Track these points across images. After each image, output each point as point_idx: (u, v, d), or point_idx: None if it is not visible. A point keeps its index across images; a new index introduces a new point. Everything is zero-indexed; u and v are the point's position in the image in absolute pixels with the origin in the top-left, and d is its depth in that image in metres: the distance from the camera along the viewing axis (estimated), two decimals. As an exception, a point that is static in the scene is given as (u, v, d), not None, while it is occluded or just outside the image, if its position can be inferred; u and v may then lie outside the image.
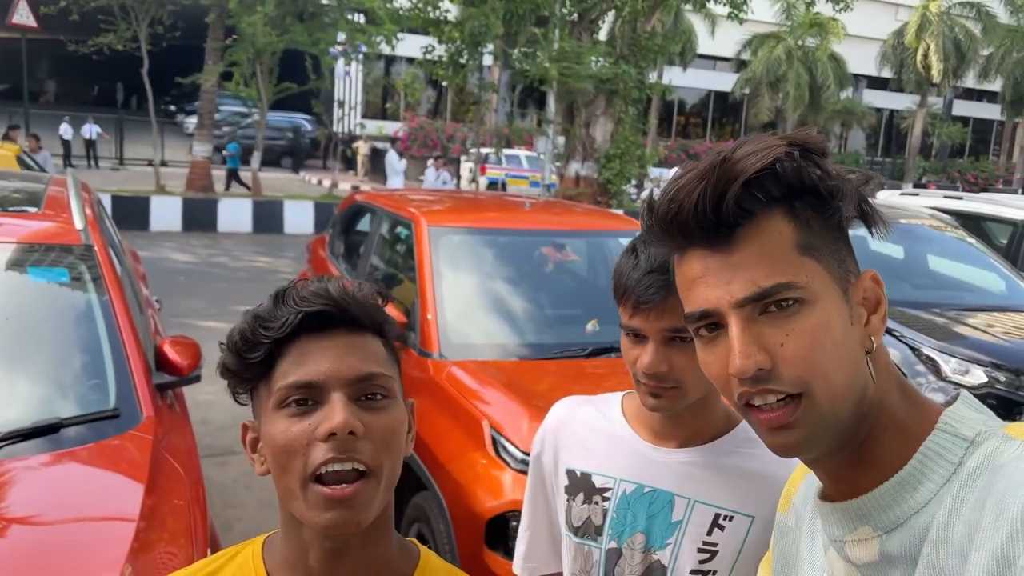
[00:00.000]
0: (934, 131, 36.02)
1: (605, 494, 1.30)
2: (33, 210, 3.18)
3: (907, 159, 34.79)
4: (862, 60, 33.85)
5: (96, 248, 2.90)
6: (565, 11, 16.55)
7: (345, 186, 21.45)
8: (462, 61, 16.12)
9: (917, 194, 8.42)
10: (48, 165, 11.83)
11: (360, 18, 17.00)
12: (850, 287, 0.77)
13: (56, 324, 2.69)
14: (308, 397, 0.88)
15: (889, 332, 4.91)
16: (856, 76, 34.58)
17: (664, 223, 0.78)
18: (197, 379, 2.82)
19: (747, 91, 33.48)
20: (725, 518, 1.22)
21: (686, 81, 33.13)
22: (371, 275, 4.61)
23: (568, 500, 1.34)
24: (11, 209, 3.28)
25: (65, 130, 21.71)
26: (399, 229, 4.40)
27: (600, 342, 3.66)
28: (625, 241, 4.51)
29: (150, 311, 3.79)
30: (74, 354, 2.61)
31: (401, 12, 15.95)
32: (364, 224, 5.05)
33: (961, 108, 38.97)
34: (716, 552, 1.22)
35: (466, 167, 22.69)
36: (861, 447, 0.77)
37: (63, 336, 2.67)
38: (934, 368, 4.69)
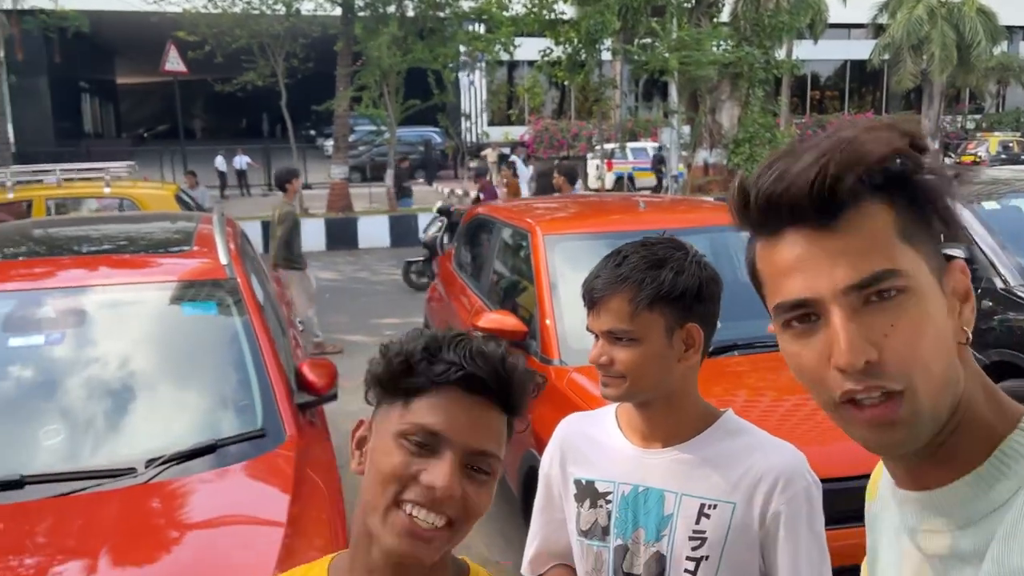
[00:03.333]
0: (1106, 79, 32.60)
1: (607, 497, 1.43)
2: (186, 249, 3.53)
3: (1077, 113, 31.68)
4: (1015, 10, 31.14)
5: (240, 281, 3.18)
6: (681, -2, 16.26)
7: (476, 193, 21.97)
8: (580, 60, 16.16)
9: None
10: (205, 199, 12.85)
11: (480, 27, 17.39)
12: (944, 277, 0.75)
13: (208, 353, 2.99)
14: (428, 442, 0.96)
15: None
16: (1010, 28, 31.85)
17: (769, 200, 0.74)
18: (334, 397, 3.04)
19: (886, 57, 31.54)
20: (710, 507, 1.36)
21: (818, 53, 31.64)
22: (494, 285, 4.76)
23: (577, 507, 1.47)
24: (169, 249, 3.66)
25: (220, 162, 23.46)
26: (517, 239, 4.52)
27: (721, 340, 3.62)
28: (744, 234, 4.43)
29: (292, 332, 4.09)
30: (225, 380, 2.89)
31: (517, 17, 16.19)
32: (485, 237, 5.22)
33: None
34: (705, 539, 1.36)
35: (592, 164, 22.69)
36: (945, 446, 0.76)
37: (215, 364, 2.96)
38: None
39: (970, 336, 0.75)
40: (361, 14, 16.20)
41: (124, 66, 39.26)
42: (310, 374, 3.03)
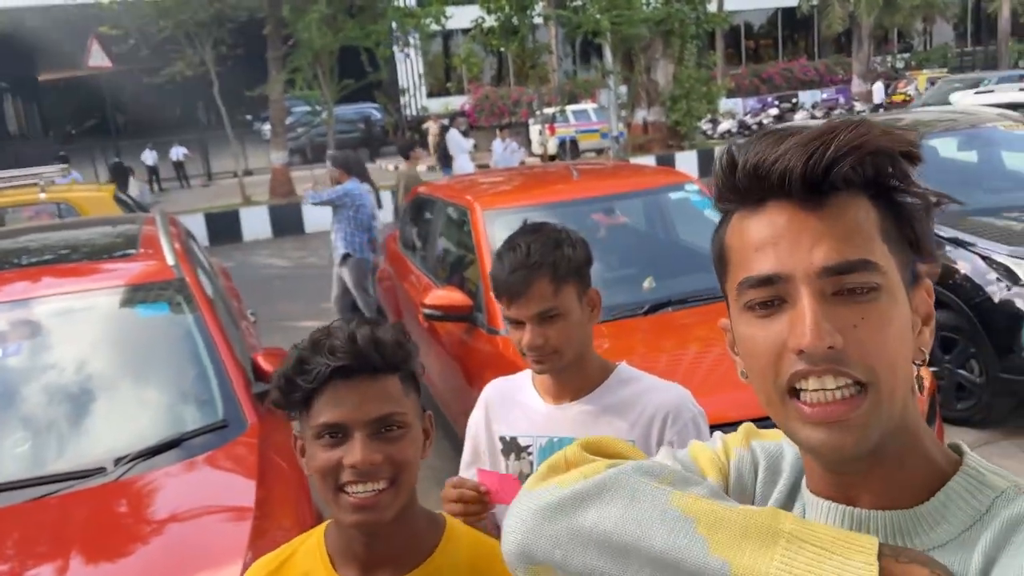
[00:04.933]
0: (1026, 10, 33.55)
1: (528, 450, 1.64)
2: (132, 252, 3.59)
3: (999, 45, 32.61)
4: (936, -52, 31.77)
5: (188, 280, 3.27)
6: (609, -42, 16.30)
7: (421, 168, 21.83)
8: (513, 27, 16.17)
9: (992, 91, 8.10)
10: (146, 196, 12.67)
11: (411, 1, 17.24)
12: (912, 292, 0.73)
13: (165, 352, 3.09)
14: (337, 432, 1.15)
15: (960, 243, 4.86)
16: (932, -34, 32.52)
17: (760, 168, 0.71)
18: (290, 383, 3.16)
19: (815, 3, 32.05)
20: None
21: (749, 3, 31.97)
22: (440, 263, 4.90)
23: (504, 460, 1.68)
24: (116, 254, 3.72)
25: (147, 156, 22.91)
26: (458, 216, 4.66)
27: (657, 298, 3.84)
28: (676, 195, 4.63)
29: (244, 324, 4.19)
30: (183, 377, 3.00)
31: (447, -12, 16.11)
32: (428, 215, 5.34)
33: (1054, -20, 36.10)
34: None
35: (535, 130, 22.71)
36: (888, 464, 0.73)
37: (172, 362, 3.06)
38: (1008, 274, 4.63)
39: (927, 358, 0.75)
40: (288, -5, 15.96)
41: (46, 62, 37.92)
42: (265, 363, 3.15)
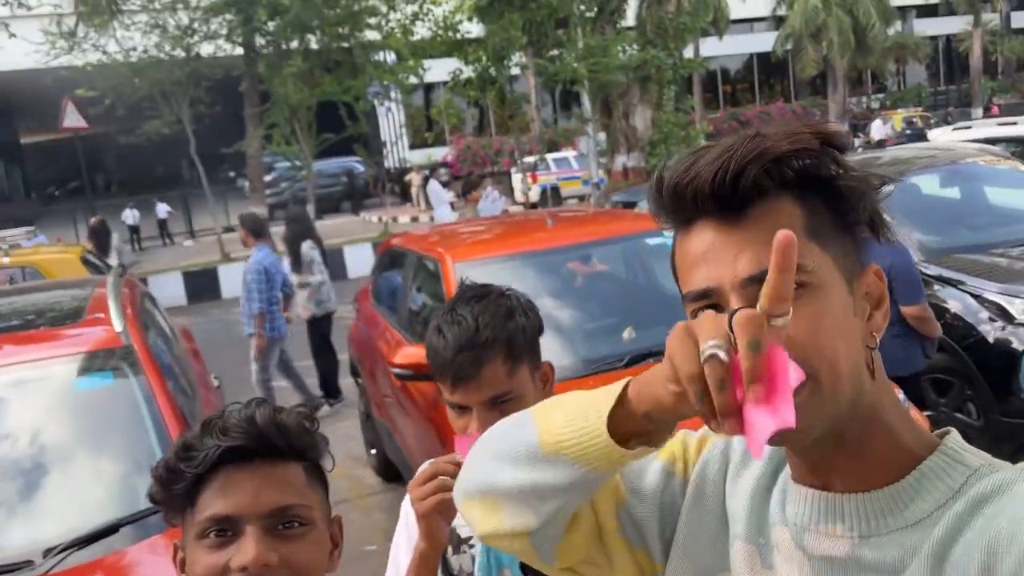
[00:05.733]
0: (996, 49, 34.31)
1: (470, 542, 1.39)
2: (78, 319, 3.39)
3: (971, 83, 33.22)
4: (904, -9, 32.54)
5: (136, 347, 3.06)
6: (583, 8, 16.50)
7: (404, 219, 21.84)
8: (491, 77, 16.24)
9: (970, 127, 8.08)
10: (124, 255, 12.49)
11: (391, 55, 17.33)
12: (855, 280, 0.75)
13: (107, 427, 2.86)
14: (226, 528, 0.94)
15: (949, 282, 4.72)
16: (902, 8, 33.28)
17: (678, 190, 0.75)
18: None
19: (789, 47, 32.62)
20: None
21: (725, 49, 32.51)
22: (413, 317, 4.70)
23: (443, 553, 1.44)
24: (58, 323, 3.50)
25: (127, 215, 22.78)
26: (430, 268, 4.48)
27: (638, 349, 3.65)
28: (653, 241, 4.48)
29: (203, 391, 3.95)
30: (127, 453, 2.77)
31: (423, 41, 16.21)
32: (400, 268, 5.17)
33: (1021, 19, 37.00)
34: None
35: (517, 179, 22.78)
36: (851, 447, 0.75)
37: (115, 438, 2.83)
38: (1001, 313, 4.49)
39: (878, 341, 0.76)
40: (264, 51, 16.02)
41: (26, 125, 38.03)
42: (219, 435, 2.93)
